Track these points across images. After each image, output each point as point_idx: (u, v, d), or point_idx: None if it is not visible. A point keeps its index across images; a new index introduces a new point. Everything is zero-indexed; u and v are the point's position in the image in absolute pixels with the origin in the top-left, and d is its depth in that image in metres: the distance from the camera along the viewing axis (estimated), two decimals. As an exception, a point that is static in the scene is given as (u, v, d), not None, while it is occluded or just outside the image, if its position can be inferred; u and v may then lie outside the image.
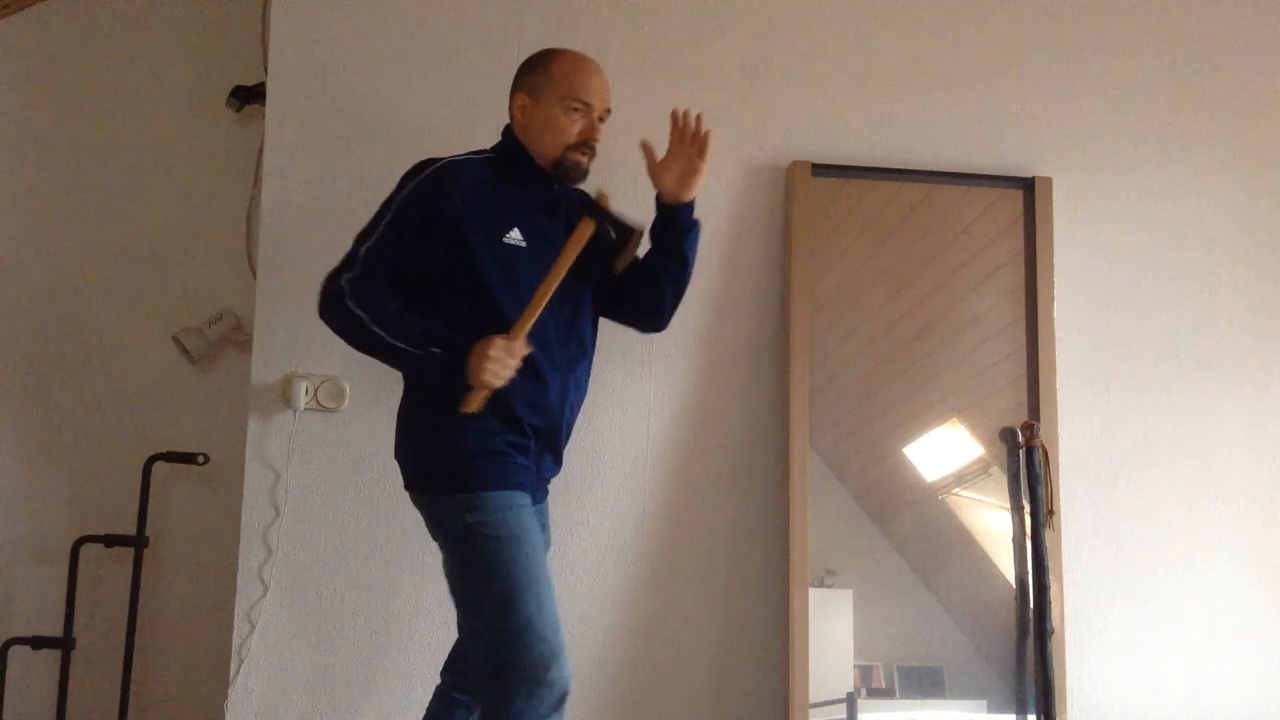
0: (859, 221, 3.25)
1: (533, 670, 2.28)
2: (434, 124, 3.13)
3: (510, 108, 2.62)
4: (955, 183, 3.26)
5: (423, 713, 2.73)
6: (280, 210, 3.11)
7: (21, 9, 3.53)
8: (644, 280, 2.70)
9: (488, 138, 2.66)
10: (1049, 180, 3.28)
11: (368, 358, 2.49)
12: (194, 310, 3.46)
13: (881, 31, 3.32)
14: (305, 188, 3.11)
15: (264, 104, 3.18)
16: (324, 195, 3.10)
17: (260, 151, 3.20)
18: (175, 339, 3.40)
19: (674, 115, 2.65)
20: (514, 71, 2.64)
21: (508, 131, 2.63)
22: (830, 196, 3.23)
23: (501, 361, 2.36)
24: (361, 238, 2.49)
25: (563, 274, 2.47)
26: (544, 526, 2.62)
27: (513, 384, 2.41)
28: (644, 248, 2.70)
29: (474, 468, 2.42)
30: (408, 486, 2.54)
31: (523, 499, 2.44)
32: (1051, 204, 3.27)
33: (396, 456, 2.56)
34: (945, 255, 3.26)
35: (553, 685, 2.29)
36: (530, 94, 2.57)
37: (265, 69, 3.25)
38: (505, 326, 2.43)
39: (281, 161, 3.11)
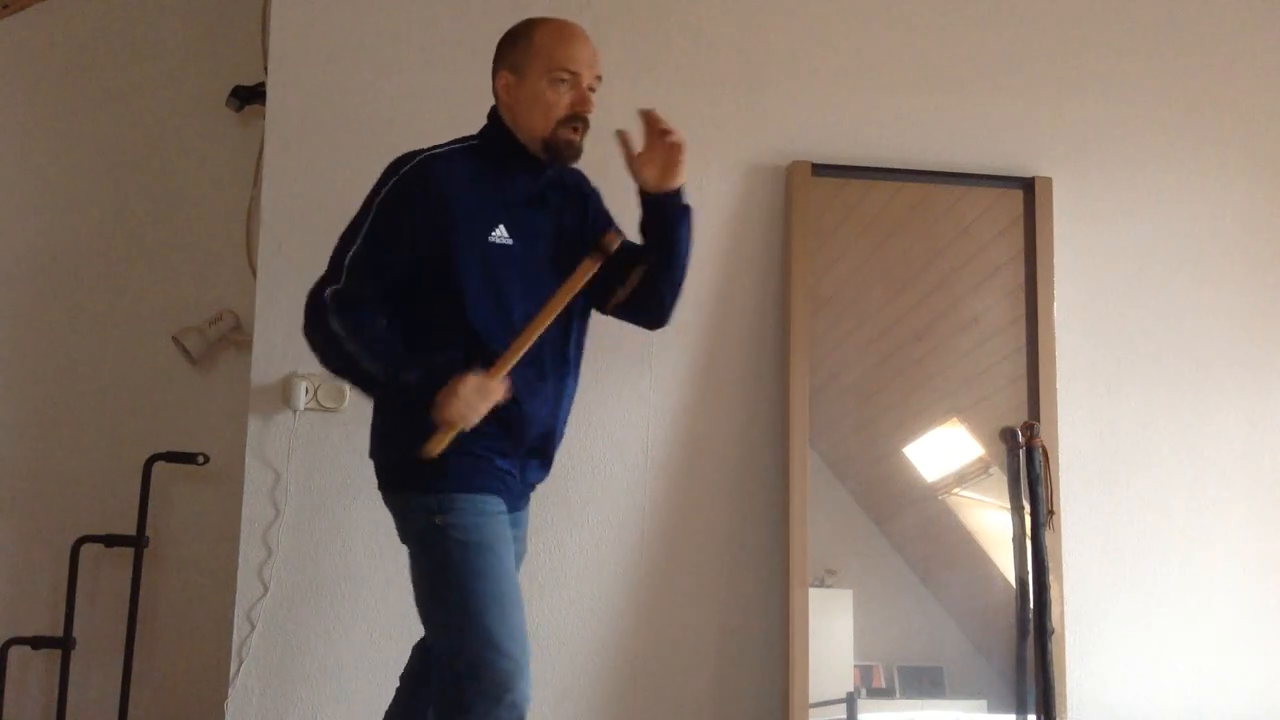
0: (859, 221, 3.25)
1: (492, 688, 2.17)
2: (434, 124, 3.10)
3: (494, 88, 2.43)
4: (955, 183, 3.26)
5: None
6: (280, 210, 3.11)
7: (21, 9, 3.53)
8: (641, 277, 2.50)
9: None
10: (1049, 180, 3.28)
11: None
12: (194, 310, 3.46)
13: (882, 32, 3.31)
14: (305, 188, 3.11)
15: (264, 104, 3.18)
16: (324, 195, 3.09)
17: (260, 151, 3.20)
18: (175, 339, 3.40)
19: (645, 115, 2.41)
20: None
21: (493, 114, 2.44)
22: (830, 196, 3.23)
23: (471, 404, 2.18)
24: (343, 244, 2.33)
25: (556, 313, 2.29)
26: (518, 538, 2.47)
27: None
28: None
29: (447, 466, 2.26)
30: (380, 487, 2.41)
31: (496, 505, 2.31)
32: (1051, 204, 3.27)
33: (371, 456, 2.44)
34: (945, 255, 3.26)
35: (513, 707, 2.18)
36: (514, 70, 2.38)
37: (265, 69, 3.25)
38: (476, 337, 2.29)
39: (281, 161, 3.11)
